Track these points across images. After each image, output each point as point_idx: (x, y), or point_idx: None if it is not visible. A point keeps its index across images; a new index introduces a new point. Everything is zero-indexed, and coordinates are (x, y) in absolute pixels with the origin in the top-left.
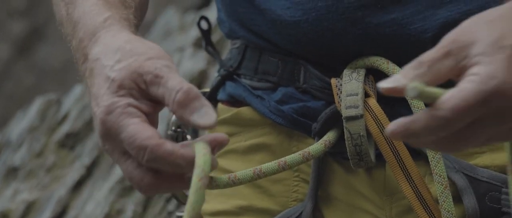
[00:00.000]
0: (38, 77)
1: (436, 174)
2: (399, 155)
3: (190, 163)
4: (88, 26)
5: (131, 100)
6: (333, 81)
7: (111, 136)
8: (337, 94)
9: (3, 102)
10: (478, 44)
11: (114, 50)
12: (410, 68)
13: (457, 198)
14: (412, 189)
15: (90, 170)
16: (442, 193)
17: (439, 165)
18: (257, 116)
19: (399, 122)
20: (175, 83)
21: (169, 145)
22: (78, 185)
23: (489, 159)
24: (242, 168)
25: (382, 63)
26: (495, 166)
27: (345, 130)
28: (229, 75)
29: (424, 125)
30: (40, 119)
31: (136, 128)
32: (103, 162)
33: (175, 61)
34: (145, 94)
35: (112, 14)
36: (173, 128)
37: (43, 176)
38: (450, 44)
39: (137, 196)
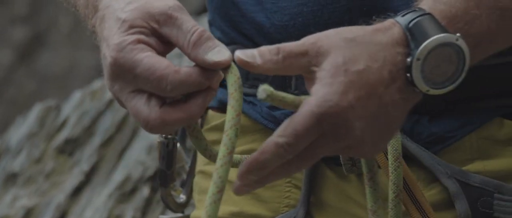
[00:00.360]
0: (39, 84)
1: (391, 182)
2: None
3: (209, 76)
4: None
5: (142, 37)
6: None
7: (124, 73)
8: None
9: (5, 108)
10: (329, 59)
11: None
12: (268, 51)
13: (450, 204)
14: (407, 194)
15: (89, 176)
16: (392, 201)
17: (396, 172)
18: (248, 122)
19: (250, 162)
20: (190, 25)
21: (185, 69)
22: (77, 191)
23: (481, 165)
24: (234, 174)
25: None
26: (487, 171)
27: None
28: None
29: (271, 153)
30: (39, 125)
31: (152, 60)
32: (102, 168)
33: None
34: (156, 34)
35: None
36: (164, 135)
37: (42, 182)
38: (311, 45)
39: (136, 202)
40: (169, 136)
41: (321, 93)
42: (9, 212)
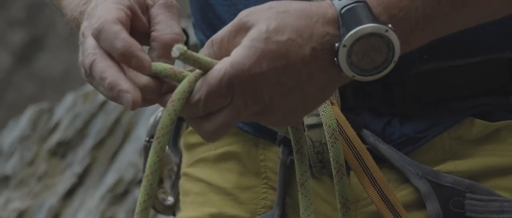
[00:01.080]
0: (38, 86)
1: (337, 192)
2: (363, 161)
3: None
4: None
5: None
6: None
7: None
8: None
9: (4, 111)
10: (255, 27)
11: None
12: (204, 49)
13: (421, 204)
14: (378, 194)
15: (81, 179)
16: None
17: (339, 184)
18: None
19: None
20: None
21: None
22: (70, 194)
23: (452, 165)
24: (214, 176)
25: None
26: (459, 171)
27: (307, 137)
28: None
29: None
30: (32, 127)
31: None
32: (95, 170)
33: None
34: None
35: None
36: (147, 139)
37: (35, 185)
38: (241, 24)
39: (128, 204)
40: (152, 139)
41: (237, 55)
42: (2, 215)
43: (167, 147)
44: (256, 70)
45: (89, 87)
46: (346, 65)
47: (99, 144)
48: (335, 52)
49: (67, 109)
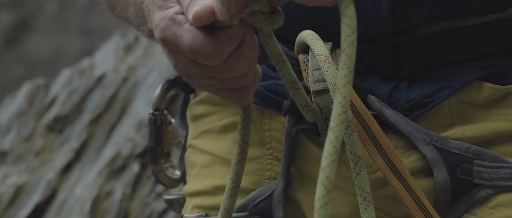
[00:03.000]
0: (26, 68)
1: (357, 186)
2: (369, 127)
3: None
4: None
5: (177, 7)
6: (301, 57)
7: (173, 51)
8: (305, 70)
9: None
10: None
11: None
12: None
13: (429, 171)
14: (385, 161)
15: (78, 154)
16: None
17: (359, 177)
18: None
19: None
20: None
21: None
22: (67, 168)
23: (460, 130)
24: (218, 148)
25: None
26: (467, 137)
27: (314, 104)
28: None
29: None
30: (28, 103)
31: (190, 33)
32: (92, 146)
33: (160, 49)
34: None
35: None
36: (151, 111)
37: (32, 160)
38: None
39: (126, 179)
40: (156, 112)
41: None
42: None
43: (173, 120)
44: None
45: (84, 63)
46: None
47: (96, 119)
48: None
49: (64, 85)
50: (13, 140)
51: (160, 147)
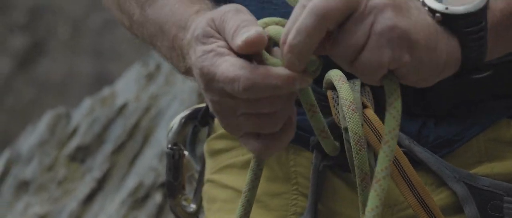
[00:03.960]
0: (38, 92)
1: (360, 201)
2: (400, 164)
3: (286, 80)
4: (180, 21)
5: (220, 42)
6: (329, 93)
7: (210, 81)
8: (334, 106)
9: (4, 116)
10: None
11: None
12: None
13: (459, 208)
14: (416, 198)
15: (101, 183)
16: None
17: (364, 193)
18: None
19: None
20: (234, 20)
21: (263, 68)
22: (89, 198)
23: (489, 168)
24: (241, 183)
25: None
26: (496, 174)
27: (345, 141)
28: None
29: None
30: (50, 132)
31: (229, 62)
32: (114, 175)
33: (181, 78)
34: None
35: (201, 6)
36: (169, 146)
37: (54, 190)
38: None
39: (148, 209)
40: (175, 147)
41: None
42: None
43: (186, 153)
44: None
45: (105, 92)
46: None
47: (119, 149)
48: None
49: (85, 114)
50: (35, 170)
51: (178, 182)
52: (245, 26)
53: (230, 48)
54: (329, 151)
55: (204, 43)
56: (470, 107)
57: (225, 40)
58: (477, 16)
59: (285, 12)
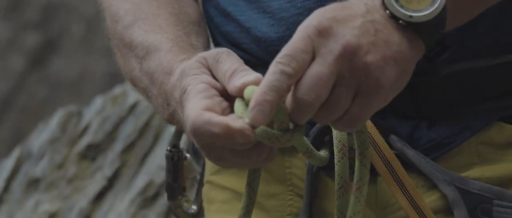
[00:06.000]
0: (51, 90)
1: (336, 207)
2: (391, 166)
3: (226, 130)
4: (166, 68)
5: (204, 77)
6: None
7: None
8: None
9: (17, 115)
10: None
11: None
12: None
13: (449, 210)
14: (408, 200)
15: (111, 182)
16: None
17: (341, 199)
18: None
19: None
20: (230, 63)
21: (208, 114)
22: (100, 196)
23: (480, 171)
24: (238, 184)
25: None
26: (486, 177)
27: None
28: None
29: (298, 106)
30: (61, 130)
31: (192, 102)
32: (125, 174)
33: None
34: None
35: (187, 56)
36: (168, 148)
37: (65, 187)
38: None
39: (158, 207)
40: (174, 149)
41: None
42: (32, 217)
43: (188, 155)
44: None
45: (117, 91)
46: (396, 7)
47: (129, 147)
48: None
49: (96, 112)
50: (46, 167)
51: (177, 183)
52: (243, 70)
53: (210, 86)
54: (317, 165)
55: (188, 75)
56: (462, 110)
57: (213, 77)
58: (441, 16)
59: (281, 17)
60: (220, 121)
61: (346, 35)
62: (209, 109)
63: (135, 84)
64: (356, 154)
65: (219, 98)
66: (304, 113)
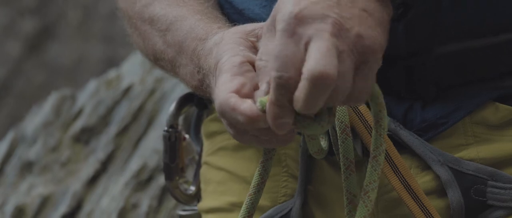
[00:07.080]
0: (48, 76)
1: (345, 188)
2: None
3: (248, 120)
4: (200, 35)
5: (240, 48)
6: None
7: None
8: None
9: (14, 100)
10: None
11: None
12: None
13: (443, 191)
14: (400, 180)
15: (105, 165)
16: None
17: (348, 180)
18: None
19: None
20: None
21: (235, 98)
22: (93, 180)
23: (474, 152)
24: (233, 165)
25: None
26: (481, 158)
27: (331, 128)
28: None
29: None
30: (55, 114)
31: (223, 78)
32: (118, 157)
33: None
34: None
35: (221, 24)
36: (166, 128)
37: (58, 171)
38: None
39: (152, 191)
40: (171, 129)
41: None
42: (26, 200)
43: (188, 136)
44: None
45: (111, 74)
46: None
47: (123, 131)
48: None
49: (90, 95)
50: (39, 150)
51: (175, 164)
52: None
53: (246, 61)
54: (313, 153)
55: (227, 43)
56: (456, 91)
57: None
58: None
59: None
60: (244, 110)
61: (329, 13)
62: (238, 91)
63: (158, 58)
64: (373, 122)
65: (252, 74)
66: (321, 89)
